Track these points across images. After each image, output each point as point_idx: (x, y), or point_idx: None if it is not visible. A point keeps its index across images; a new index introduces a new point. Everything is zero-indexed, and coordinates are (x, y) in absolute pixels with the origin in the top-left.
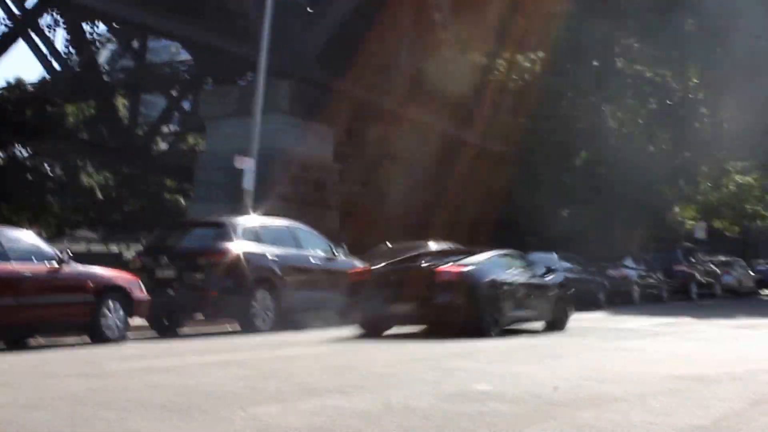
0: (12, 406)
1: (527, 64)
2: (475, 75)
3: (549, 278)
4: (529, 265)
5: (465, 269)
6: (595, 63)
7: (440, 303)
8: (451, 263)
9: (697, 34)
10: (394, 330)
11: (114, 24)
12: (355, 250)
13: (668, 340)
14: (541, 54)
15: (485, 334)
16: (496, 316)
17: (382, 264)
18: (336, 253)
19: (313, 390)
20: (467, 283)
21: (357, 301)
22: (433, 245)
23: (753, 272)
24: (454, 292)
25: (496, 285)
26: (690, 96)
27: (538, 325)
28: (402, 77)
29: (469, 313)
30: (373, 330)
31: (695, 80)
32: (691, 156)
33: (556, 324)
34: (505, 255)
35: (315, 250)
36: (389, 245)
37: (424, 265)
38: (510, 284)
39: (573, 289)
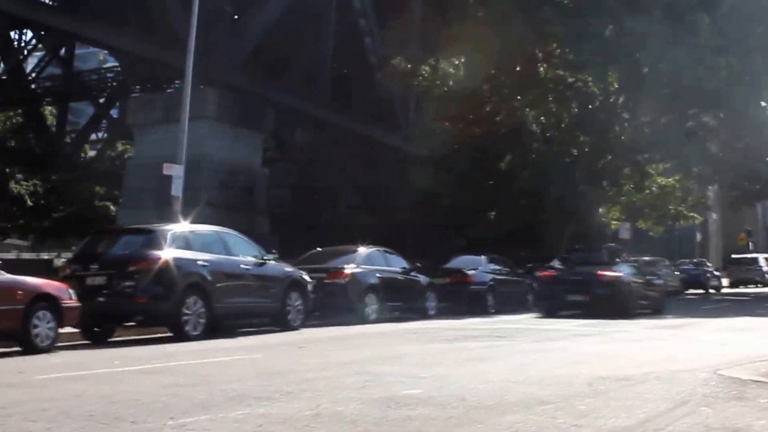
0: None
1: (451, 70)
2: (399, 80)
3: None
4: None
5: (617, 273)
6: (517, 68)
7: (601, 294)
8: (605, 269)
9: (617, 39)
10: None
11: (41, 31)
12: (285, 255)
13: (594, 341)
14: (463, 59)
15: (626, 316)
16: (631, 305)
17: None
18: (266, 259)
19: (242, 397)
20: (618, 282)
21: (546, 293)
22: (362, 249)
23: (678, 272)
24: (610, 288)
25: (630, 284)
26: (610, 100)
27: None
28: (328, 83)
29: (617, 302)
30: (551, 313)
31: (616, 85)
32: (613, 158)
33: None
34: (636, 265)
35: (245, 255)
36: (320, 250)
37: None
38: (636, 283)
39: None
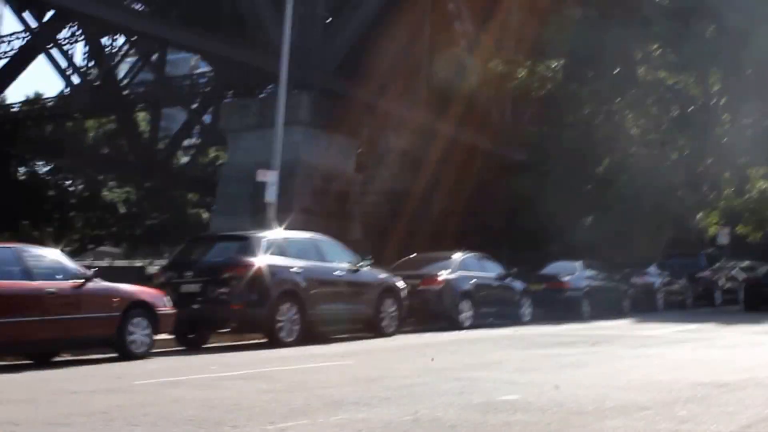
0: (40, 424)
1: (547, 72)
2: (495, 83)
3: None
4: None
5: None
6: (615, 70)
7: None
8: None
9: (718, 40)
10: None
11: (132, 37)
12: (379, 261)
13: (692, 347)
14: (561, 62)
15: None
16: None
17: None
18: (361, 265)
19: (340, 403)
20: None
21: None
22: (457, 255)
23: None
24: None
25: None
26: (712, 102)
27: None
28: (423, 87)
29: None
30: (753, 307)
31: (716, 86)
32: (713, 162)
33: None
34: None
35: (339, 262)
36: (415, 256)
37: None
38: None
39: None
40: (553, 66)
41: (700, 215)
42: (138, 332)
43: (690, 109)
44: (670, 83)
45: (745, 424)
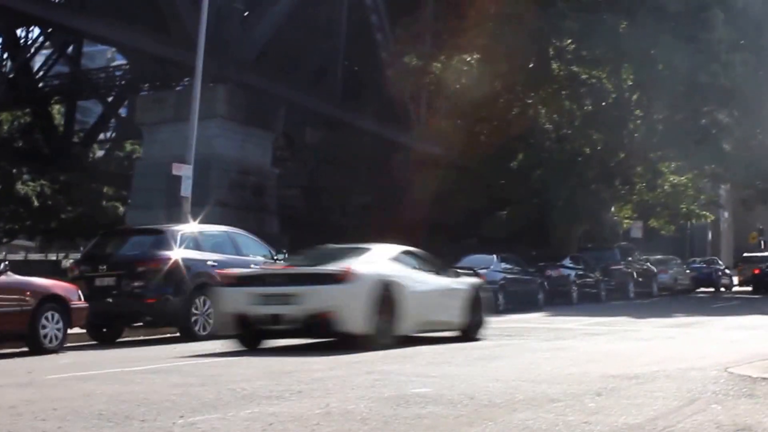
0: None
1: (463, 67)
2: (411, 78)
3: None
4: None
5: None
6: (530, 65)
7: None
8: None
9: (631, 35)
10: None
11: (49, 29)
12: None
13: (605, 340)
14: (476, 56)
15: None
16: None
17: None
18: (276, 259)
19: (252, 396)
20: None
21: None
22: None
23: (689, 270)
24: None
25: None
26: (624, 97)
27: None
28: (339, 81)
29: None
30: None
31: (629, 81)
32: (626, 156)
33: None
34: None
35: (255, 255)
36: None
37: None
38: None
39: None
40: (468, 60)
41: (613, 209)
42: (50, 326)
43: (603, 104)
44: (583, 78)
45: (652, 416)
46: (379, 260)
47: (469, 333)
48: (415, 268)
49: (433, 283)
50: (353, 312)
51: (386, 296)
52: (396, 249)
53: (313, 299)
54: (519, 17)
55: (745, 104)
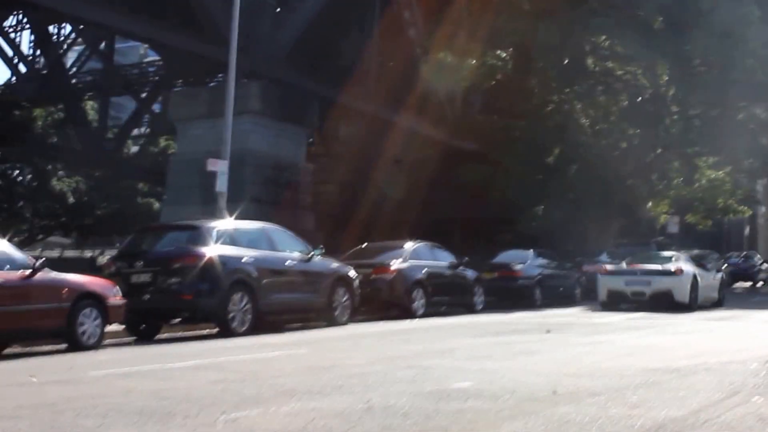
0: None
1: (497, 63)
2: (445, 74)
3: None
4: None
5: None
6: (564, 61)
7: None
8: None
9: (665, 32)
10: None
11: (80, 25)
12: (331, 251)
13: (644, 334)
14: (510, 52)
15: None
16: None
17: None
18: (312, 255)
19: (293, 392)
20: None
21: None
22: (409, 244)
23: (727, 265)
24: None
25: None
26: (660, 92)
27: None
28: (373, 76)
29: None
30: None
31: (665, 77)
32: (662, 152)
33: None
34: None
35: (291, 251)
36: (367, 245)
37: None
38: None
39: None
40: (502, 56)
41: (650, 204)
42: (88, 323)
43: (639, 100)
44: (618, 73)
45: (695, 409)
46: (686, 261)
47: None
48: (698, 266)
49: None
50: (682, 291)
51: (694, 283)
52: (688, 254)
53: (662, 283)
54: (552, 13)
55: None
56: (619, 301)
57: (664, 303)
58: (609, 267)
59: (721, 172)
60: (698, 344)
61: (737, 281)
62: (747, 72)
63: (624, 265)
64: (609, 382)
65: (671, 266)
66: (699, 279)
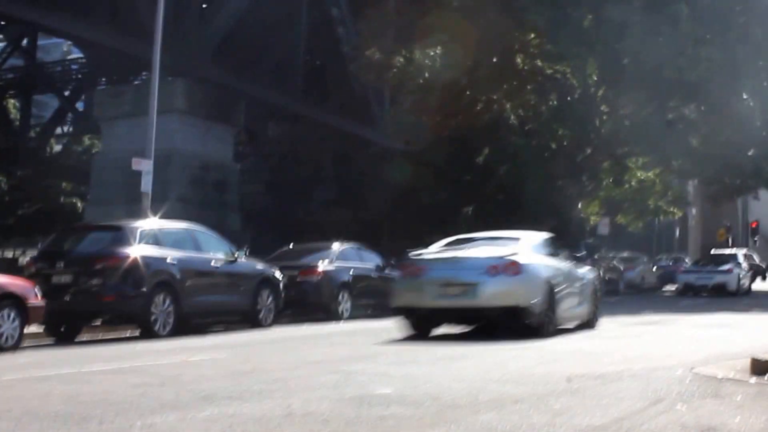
0: None
1: (427, 61)
2: (374, 72)
3: None
4: None
5: None
6: (493, 59)
7: None
8: None
9: (596, 29)
10: None
11: (1, 21)
12: (257, 252)
13: (570, 338)
14: (440, 50)
15: None
16: None
17: None
18: (237, 256)
19: (212, 397)
20: None
21: None
22: (336, 246)
23: (656, 268)
24: None
25: None
26: (590, 92)
27: None
28: (301, 75)
29: None
30: None
31: (595, 76)
32: (593, 152)
33: None
34: None
35: (216, 252)
36: (292, 246)
37: None
38: None
39: None
40: (431, 54)
41: (580, 205)
42: (6, 324)
43: (569, 99)
44: (548, 72)
45: (618, 417)
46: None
47: None
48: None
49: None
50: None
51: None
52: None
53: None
54: (482, 11)
55: (711, 100)
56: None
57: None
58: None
59: (651, 173)
60: (624, 349)
61: (666, 284)
62: (676, 71)
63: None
64: (533, 389)
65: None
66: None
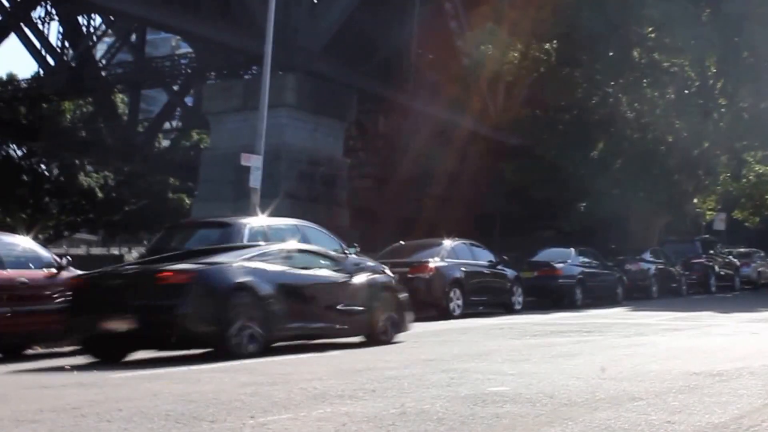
0: (8, 420)
1: (541, 55)
2: (488, 67)
3: None
4: None
5: None
6: (610, 53)
7: None
8: None
9: (714, 23)
10: None
11: (110, 16)
12: (367, 248)
13: (687, 335)
14: (555, 45)
15: None
16: None
17: None
18: (347, 253)
19: (324, 396)
20: None
21: None
22: (447, 242)
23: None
24: None
25: None
26: (708, 84)
27: None
28: (413, 69)
29: None
30: None
31: (713, 69)
32: (710, 146)
33: None
34: None
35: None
36: (403, 243)
37: None
38: None
39: None
40: (546, 48)
41: (696, 200)
42: None
43: (686, 92)
44: (665, 66)
45: (737, 415)
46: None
47: None
48: None
49: None
50: None
51: None
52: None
53: None
54: (598, 4)
55: None
56: None
57: None
58: None
59: None
60: (742, 347)
61: None
62: None
63: None
64: (650, 387)
65: None
66: None
